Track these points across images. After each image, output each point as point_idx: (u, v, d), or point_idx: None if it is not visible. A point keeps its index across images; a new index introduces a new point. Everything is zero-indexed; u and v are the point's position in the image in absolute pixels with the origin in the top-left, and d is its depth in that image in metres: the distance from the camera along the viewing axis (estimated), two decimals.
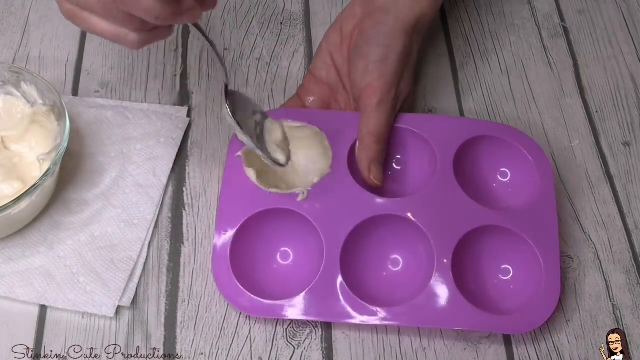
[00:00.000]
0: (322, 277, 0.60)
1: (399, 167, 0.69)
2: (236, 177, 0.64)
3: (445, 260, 0.61)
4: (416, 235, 0.62)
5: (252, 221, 0.63)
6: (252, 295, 0.60)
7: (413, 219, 0.62)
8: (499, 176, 0.69)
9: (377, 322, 0.60)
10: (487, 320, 0.60)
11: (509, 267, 0.64)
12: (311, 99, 0.69)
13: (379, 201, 0.63)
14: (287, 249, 0.64)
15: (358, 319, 0.60)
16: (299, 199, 0.63)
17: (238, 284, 0.60)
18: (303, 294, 0.60)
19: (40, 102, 0.66)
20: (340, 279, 0.60)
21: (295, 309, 0.60)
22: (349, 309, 0.60)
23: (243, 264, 0.62)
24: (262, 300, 0.60)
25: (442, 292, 0.60)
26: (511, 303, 0.62)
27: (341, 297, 0.60)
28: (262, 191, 0.63)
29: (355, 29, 0.68)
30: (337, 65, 0.69)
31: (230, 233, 0.62)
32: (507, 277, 0.64)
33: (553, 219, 0.64)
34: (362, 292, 0.61)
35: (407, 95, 0.68)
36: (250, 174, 0.64)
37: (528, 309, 0.60)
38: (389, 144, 0.67)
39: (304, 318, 0.61)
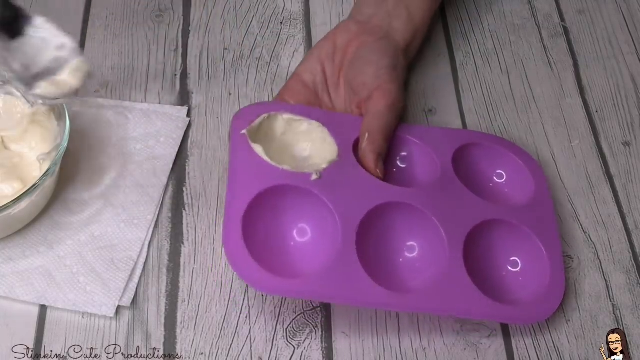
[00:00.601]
0: (338, 259, 0.59)
1: (399, 172, 0.69)
2: (244, 153, 0.63)
3: (456, 252, 0.61)
4: (429, 225, 0.63)
5: (265, 196, 0.61)
6: (270, 274, 0.58)
7: (424, 210, 0.62)
8: (495, 178, 0.69)
9: (389, 308, 0.60)
10: (500, 310, 0.60)
11: (517, 259, 0.64)
12: (295, 101, 0.69)
13: (390, 189, 0.63)
14: (304, 225, 0.63)
15: (372, 303, 0.59)
16: (313, 178, 0.62)
17: (253, 260, 0.58)
18: (319, 276, 0.59)
19: (40, 101, 0.66)
20: (357, 262, 0.59)
21: (309, 289, 0.59)
22: (365, 293, 0.59)
23: (257, 239, 0.60)
24: (280, 278, 0.58)
25: (455, 281, 0.60)
26: (520, 294, 0.62)
27: (358, 281, 0.59)
28: (273, 167, 0.62)
29: (351, 42, 0.70)
30: (327, 73, 0.70)
31: (241, 209, 0.60)
32: (516, 269, 0.64)
33: (551, 217, 0.65)
34: (378, 276, 0.60)
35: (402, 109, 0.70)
36: (259, 150, 0.63)
37: (538, 299, 0.61)
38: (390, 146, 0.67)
39: (318, 299, 0.61)
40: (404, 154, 0.69)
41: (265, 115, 0.66)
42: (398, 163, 0.69)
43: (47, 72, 0.58)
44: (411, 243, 0.64)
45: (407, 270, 0.63)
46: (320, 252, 0.61)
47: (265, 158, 0.63)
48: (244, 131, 0.64)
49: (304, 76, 0.70)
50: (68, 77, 0.59)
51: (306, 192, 0.62)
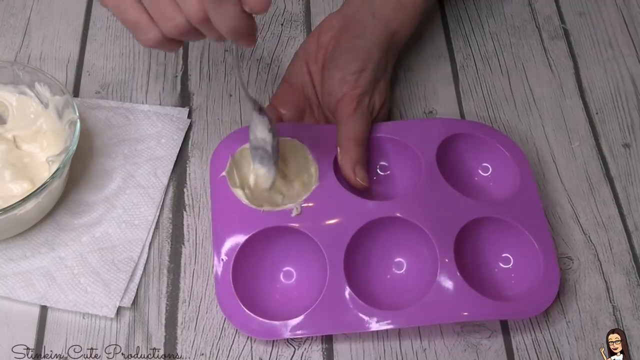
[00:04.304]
0: (329, 290, 0.60)
1: (384, 173, 0.69)
2: (225, 199, 0.64)
3: (446, 257, 0.61)
4: (415, 235, 0.62)
5: (250, 243, 0.62)
6: (262, 319, 0.59)
7: (410, 219, 0.62)
8: (480, 171, 0.69)
9: (388, 327, 0.59)
10: (497, 308, 0.60)
11: (509, 255, 0.64)
12: (286, 107, 0.69)
13: (372, 205, 0.63)
14: (289, 267, 0.64)
15: (369, 326, 0.59)
16: (294, 214, 0.62)
17: (245, 309, 0.60)
18: (312, 310, 0.59)
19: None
20: (346, 289, 0.60)
21: (306, 326, 0.59)
22: (359, 319, 0.59)
23: (247, 288, 0.61)
24: (272, 322, 0.59)
25: (449, 286, 0.60)
26: (514, 290, 0.62)
27: (350, 307, 0.60)
28: (254, 211, 0.63)
29: (332, 39, 0.70)
30: (312, 73, 0.70)
31: (229, 258, 0.61)
32: (508, 266, 0.64)
33: (537, 204, 0.65)
34: (370, 299, 0.60)
35: (382, 105, 0.70)
36: (239, 193, 0.64)
37: (532, 293, 0.61)
38: (370, 152, 0.67)
39: (318, 334, 0.61)
40: (384, 159, 0.69)
41: (242, 147, 0.66)
42: (380, 165, 0.69)
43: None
44: (400, 259, 0.64)
45: (399, 285, 0.63)
46: (308, 289, 0.62)
47: (246, 202, 0.63)
48: (223, 174, 0.64)
49: (293, 80, 0.70)
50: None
51: (289, 229, 0.62)
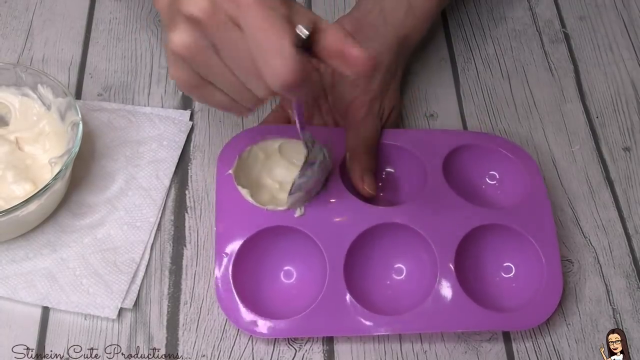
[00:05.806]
0: (328, 292, 0.60)
1: (390, 180, 0.69)
2: (230, 196, 0.64)
3: (448, 264, 0.61)
4: (417, 242, 0.63)
5: (252, 241, 0.62)
6: (260, 318, 0.60)
7: (412, 226, 0.62)
8: (487, 179, 0.69)
9: (385, 332, 0.60)
10: (495, 319, 0.60)
11: (510, 265, 0.64)
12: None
13: (376, 211, 0.63)
14: (290, 267, 0.64)
15: (366, 330, 0.60)
16: (297, 214, 0.63)
17: (244, 307, 0.60)
18: (310, 311, 0.60)
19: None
20: (345, 292, 0.60)
21: (303, 326, 0.60)
22: (357, 322, 0.60)
23: (247, 286, 0.61)
24: (271, 321, 0.60)
25: (448, 295, 0.60)
26: (514, 300, 0.62)
27: (348, 311, 0.60)
28: (258, 209, 0.63)
29: None
30: (322, 75, 0.70)
31: (231, 255, 0.61)
32: (510, 275, 0.64)
33: (548, 214, 0.65)
34: (368, 303, 0.61)
35: (392, 109, 0.70)
36: (244, 192, 0.64)
37: (532, 305, 0.61)
38: (377, 158, 0.67)
39: (314, 335, 0.61)
40: (391, 166, 0.69)
41: (250, 147, 0.66)
42: (386, 172, 0.69)
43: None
44: (400, 264, 0.64)
45: (398, 290, 0.63)
46: (308, 290, 0.62)
47: (251, 200, 0.63)
48: (229, 171, 0.65)
49: None
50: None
51: (291, 229, 0.62)
